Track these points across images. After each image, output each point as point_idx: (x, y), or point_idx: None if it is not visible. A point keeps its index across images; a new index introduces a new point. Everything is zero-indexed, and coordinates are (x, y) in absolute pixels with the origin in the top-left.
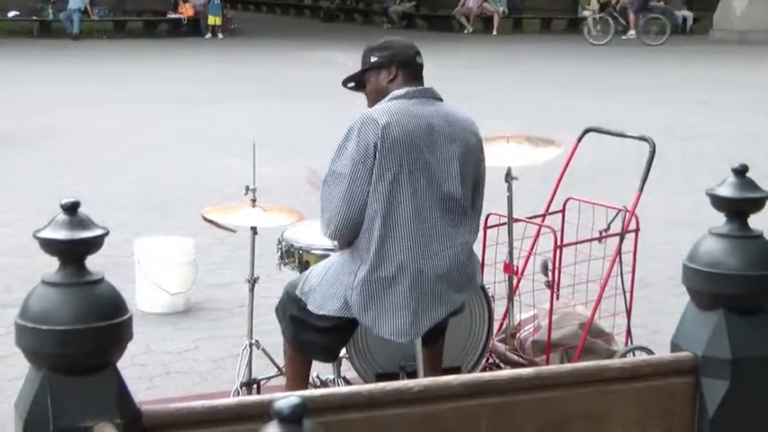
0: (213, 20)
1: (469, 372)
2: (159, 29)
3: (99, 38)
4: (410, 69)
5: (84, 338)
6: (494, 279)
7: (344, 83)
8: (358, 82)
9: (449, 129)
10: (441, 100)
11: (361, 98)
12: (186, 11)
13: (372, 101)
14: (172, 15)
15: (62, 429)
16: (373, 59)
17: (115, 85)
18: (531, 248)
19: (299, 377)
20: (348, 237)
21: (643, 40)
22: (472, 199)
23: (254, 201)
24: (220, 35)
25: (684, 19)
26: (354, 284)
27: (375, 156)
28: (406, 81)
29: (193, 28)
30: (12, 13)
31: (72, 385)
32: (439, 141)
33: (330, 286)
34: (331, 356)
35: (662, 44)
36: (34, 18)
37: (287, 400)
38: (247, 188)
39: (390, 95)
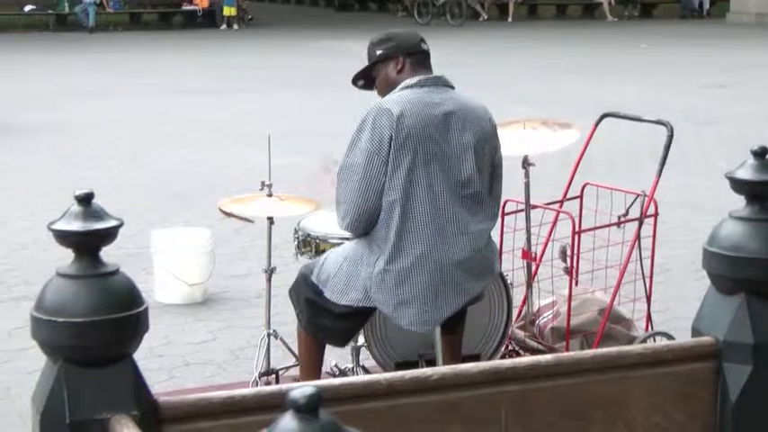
0: (229, 11)
1: (489, 359)
2: (174, 20)
3: (114, 30)
4: (417, 57)
5: (99, 330)
6: (512, 266)
7: (354, 82)
8: (367, 79)
9: (462, 116)
10: (452, 87)
11: None
12: (201, 2)
13: (383, 94)
14: (187, 7)
15: (78, 422)
16: (379, 52)
17: (131, 77)
18: (549, 235)
19: (313, 361)
20: (364, 228)
21: (449, 21)
22: (489, 186)
23: (269, 190)
24: (235, 26)
25: (701, 3)
26: (374, 275)
27: (390, 146)
28: (415, 69)
29: (208, 19)
30: (28, 8)
31: (88, 377)
32: (453, 129)
33: (349, 276)
34: (346, 341)
35: (461, 26)
36: (50, 12)
37: (302, 389)
38: (263, 183)
39: (402, 84)
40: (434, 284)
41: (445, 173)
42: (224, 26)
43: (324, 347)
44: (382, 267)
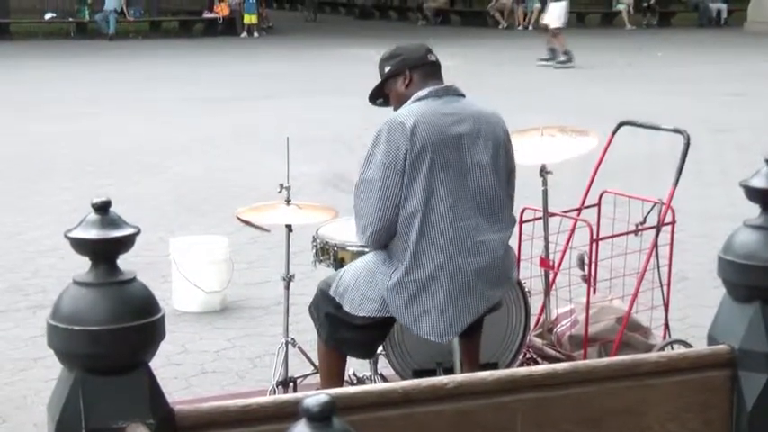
0: (249, 18)
1: (507, 367)
2: (195, 28)
3: (135, 38)
4: (424, 69)
5: (116, 338)
6: (530, 274)
7: (372, 101)
8: (384, 97)
9: (476, 124)
10: (463, 96)
11: None
12: (222, 10)
13: (397, 108)
14: (207, 15)
15: (94, 430)
16: (387, 69)
17: (151, 84)
18: (567, 242)
19: (334, 375)
20: (384, 241)
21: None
22: (506, 193)
23: (288, 198)
24: (256, 34)
25: (719, 11)
26: (390, 286)
27: (405, 159)
28: (424, 81)
29: (229, 27)
30: (48, 15)
31: (104, 385)
32: (468, 138)
33: (367, 287)
34: (369, 353)
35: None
36: (71, 19)
37: (316, 397)
38: (281, 186)
39: (414, 97)
40: (453, 294)
41: (462, 181)
42: (244, 34)
43: (345, 360)
44: (400, 278)
